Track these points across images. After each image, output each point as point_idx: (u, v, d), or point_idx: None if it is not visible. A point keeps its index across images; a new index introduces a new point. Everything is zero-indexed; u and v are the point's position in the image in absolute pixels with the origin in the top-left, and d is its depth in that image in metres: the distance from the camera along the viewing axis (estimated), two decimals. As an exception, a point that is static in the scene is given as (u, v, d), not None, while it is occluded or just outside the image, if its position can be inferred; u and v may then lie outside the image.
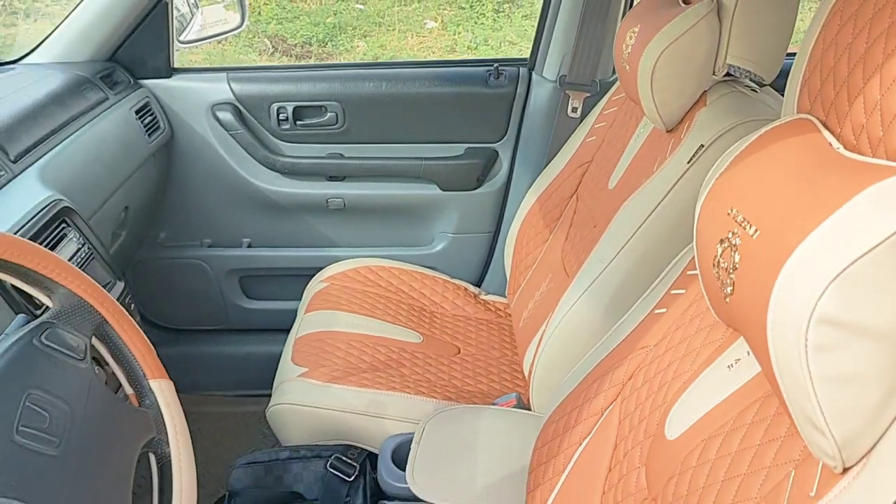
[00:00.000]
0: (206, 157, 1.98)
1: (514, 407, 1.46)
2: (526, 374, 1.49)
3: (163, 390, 0.96)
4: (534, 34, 1.98)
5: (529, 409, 1.44)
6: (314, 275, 1.90)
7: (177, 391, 1.07)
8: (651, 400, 0.89)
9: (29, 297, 0.94)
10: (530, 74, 1.95)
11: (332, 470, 1.40)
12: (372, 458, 1.41)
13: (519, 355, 1.61)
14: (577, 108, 1.89)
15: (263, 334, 2.12)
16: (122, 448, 0.86)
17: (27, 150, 1.41)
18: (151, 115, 1.88)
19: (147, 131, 1.84)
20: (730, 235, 0.68)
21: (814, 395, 0.55)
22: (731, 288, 0.68)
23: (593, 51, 1.83)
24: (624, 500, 0.87)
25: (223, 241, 2.08)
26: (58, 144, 1.50)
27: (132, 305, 1.47)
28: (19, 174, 1.34)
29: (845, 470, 0.57)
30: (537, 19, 1.97)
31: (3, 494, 0.71)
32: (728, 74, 1.30)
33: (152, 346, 0.96)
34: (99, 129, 1.66)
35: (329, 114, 1.96)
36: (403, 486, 1.28)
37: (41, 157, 1.43)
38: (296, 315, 1.78)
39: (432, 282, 1.92)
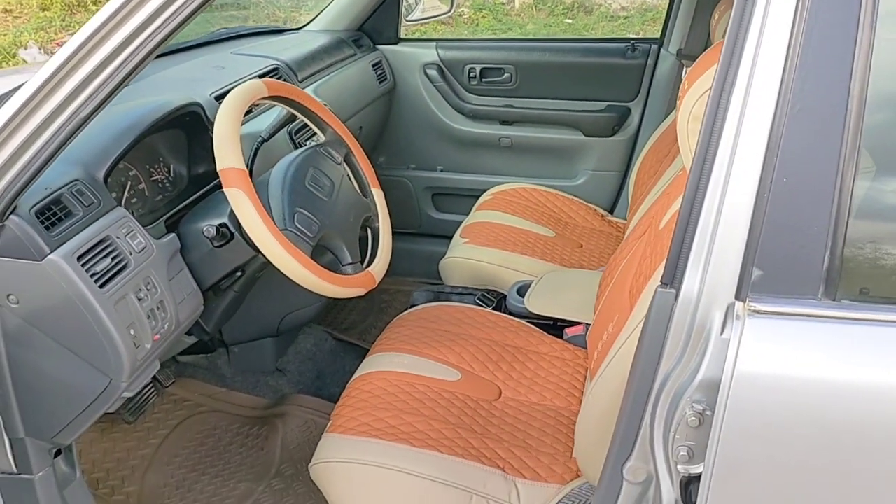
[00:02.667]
0: (416, 102, 2.76)
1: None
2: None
3: (378, 194, 1.71)
4: (664, 16, 2.58)
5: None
6: (486, 193, 2.62)
7: None
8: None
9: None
10: (659, 50, 2.55)
11: (479, 301, 2.10)
12: (503, 297, 2.10)
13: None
14: (691, 76, 2.46)
15: (445, 239, 2.86)
16: (355, 212, 1.62)
17: (308, 76, 2.24)
18: (382, 69, 2.68)
19: (378, 80, 2.64)
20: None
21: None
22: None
23: (704, 28, 2.39)
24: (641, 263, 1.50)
25: (423, 166, 2.85)
26: (325, 76, 2.33)
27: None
28: (303, 89, 2.17)
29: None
30: (667, 4, 2.57)
31: (300, 206, 1.47)
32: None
33: (373, 168, 1.72)
34: (348, 72, 2.48)
35: (505, 74, 2.67)
36: (523, 307, 1.96)
37: (316, 81, 2.26)
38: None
39: (572, 202, 2.57)
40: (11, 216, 1.23)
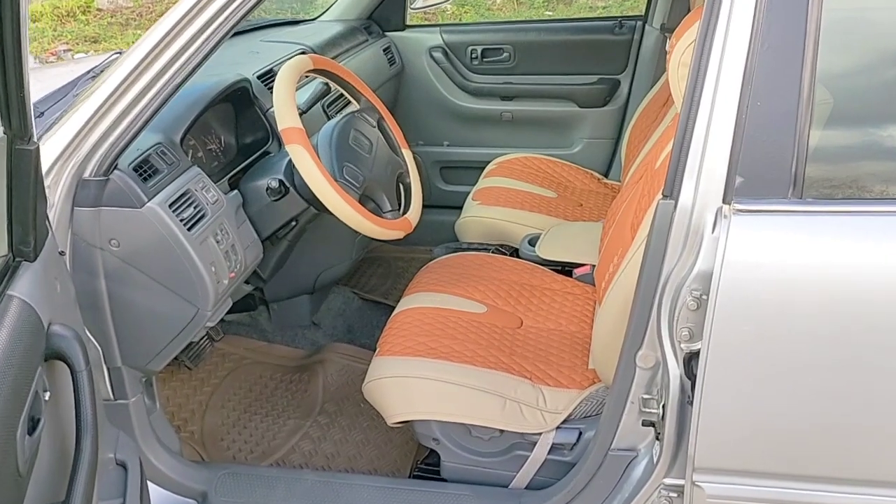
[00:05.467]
0: (422, 83, 3.00)
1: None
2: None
3: (407, 154, 1.95)
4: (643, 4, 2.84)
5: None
6: (490, 165, 2.86)
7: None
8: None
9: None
10: (644, 25, 2.81)
11: (494, 254, 2.34)
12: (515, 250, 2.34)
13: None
14: (674, 48, 2.72)
15: (454, 209, 3.10)
16: (391, 168, 1.86)
17: (331, 59, 2.47)
18: (391, 53, 2.92)
19: (389, 63, 2.88)
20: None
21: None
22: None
23: (685, 3, 2.64)
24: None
25: (430, 141, 3.09)
26: (343, 59, 2.57)
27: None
28: (323, 72, 2.41)
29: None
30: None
31: (347, 161, 1.71)
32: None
33: (401, 132, 1.95)
34: (362, 56, 2.72)
35: (504, 54, 2.92)
36: (535, 255, 2.20)
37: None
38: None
39: (570, 168, 2.82)
40: (115, 171, 1.46)
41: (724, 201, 1.22)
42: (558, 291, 2.01)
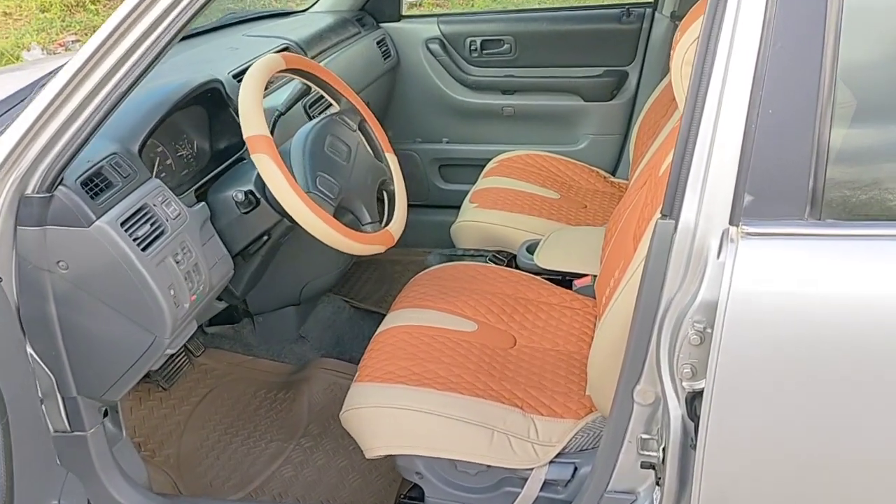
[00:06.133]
0: (419, 77, 2.85)
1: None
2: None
3: (392, 158, 1.81)
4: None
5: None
6: (491, 162, 2.71)
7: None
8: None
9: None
10: (653, 13, 2.63)
11: (491, 261, 2.20)
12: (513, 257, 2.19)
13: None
14: (685, 38, 2.55)
15: (453, 209, 2.95)
16: (372, 176, 1.72)
17: (317, 54, 2.33)
18: (385, 46, 2.77)
19: (383, 57, 2.73)
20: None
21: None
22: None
23: (696, -9, 2.47)
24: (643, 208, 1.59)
25: (429, 138, 2.94)
26: (332, 54, 2.42)
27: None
28: (314, 67, 2.27)
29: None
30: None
31: (321, 170, 1.57)
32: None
33: (385, 134, 1.81)
34: (353, 50, 2.57)
35: (505, 45, 2.76)
36: (532, 264, 2.05)
37: (324, 59, 2.35)
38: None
39: (574, 166, 2.66)
40: (60, 187, 1.33)
41: (730, 222, 1.07)
42: (556, 306, 1.87)
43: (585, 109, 2.76)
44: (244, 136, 1.49)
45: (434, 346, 1.66)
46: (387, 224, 1.73)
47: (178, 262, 1.46)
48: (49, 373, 1.45)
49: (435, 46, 2.79)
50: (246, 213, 1.62)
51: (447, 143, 2.94)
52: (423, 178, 2.98)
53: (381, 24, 2.83)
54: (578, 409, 1.55)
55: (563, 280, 2.01)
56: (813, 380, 1.06)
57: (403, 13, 2.86)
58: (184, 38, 2.29)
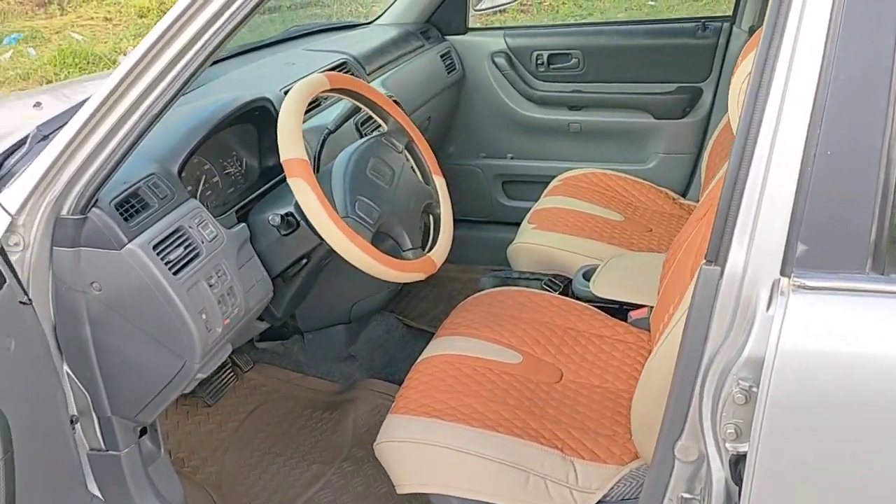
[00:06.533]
0: (484, 91, 2.78)
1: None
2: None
3: (440, 182, 1.75)
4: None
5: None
6: (555, 179, 2.62)
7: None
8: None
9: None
10: (731, 28, 2.49)
11: (546, 286, 2.11)
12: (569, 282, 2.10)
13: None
14: (765, 54, 2.40)
15: (515, 227, 2.88)
16: (416, 199, 1.66)
17: (376, 69, 2.30)
18: (450, 59, 2.71)
19: (447, 71, 2.68)
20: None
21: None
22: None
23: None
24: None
25: (493, 154, 2.87)
26: (393, 68, 2.38)
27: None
28: (370, 81, 2.23)
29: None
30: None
31: (361, 194, 1.52)
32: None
33: (434, 156, 1.75)
34: (416, 64, 2.52)
35: (573, 59, 2.66)
36: (588, 291, 1.96)
37: (384, 74, 2.31)
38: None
39: (641, 186, 2.55)
40: (93, 209, 1.32)
41: (782, 273, 0.97)
42: (608, 339, 1.77)
43: (656, 127, 2.64)
44: (281, 160, 1.46)
45: (474, 379, 1.59)
46: (430, 249, 1.67)
47: (211, 286, 1.43)
48: (85, 392, 1.45)
49: (501, 60, 2.72)
50: (286, 235, 1.59)
51: (511, 158, 2.86)
52: (486, 194, 2.92)
53: (447, 37, 2.78)
54: (623, 454, 1.46)
55: (621, 310, 1.91)
56: (866, 451, 0.95)
57: (470, 26, 2.80)
58: (245, 53, 2.31)
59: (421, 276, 1.59)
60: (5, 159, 1.37)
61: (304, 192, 1.42)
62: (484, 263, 2.91)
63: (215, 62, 2.21)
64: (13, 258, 1.31)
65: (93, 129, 1.27)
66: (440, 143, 2.86)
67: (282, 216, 1.55)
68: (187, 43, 1.22)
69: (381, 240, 1.56)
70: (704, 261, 1.04)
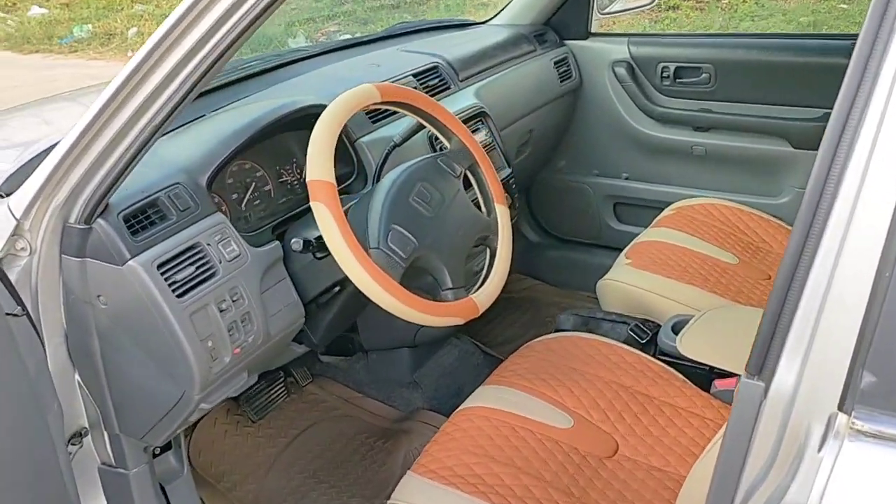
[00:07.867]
0: (602, 103, 2.53)
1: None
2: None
3: (502, 211, 1.55)
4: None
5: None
6: (671, 206, 2.33)
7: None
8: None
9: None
10: (892, 48, 2.11)
11: (632, 332, 1.87)
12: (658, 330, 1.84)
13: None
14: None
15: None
16: (466, 230, 1.47)
17: (471, 75, 2.12)
18: (566, 66, 2.48)
19: (560, 78, 2.45)
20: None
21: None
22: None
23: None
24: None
25: (607, 173, 2.62)
26: (492, 75, 2.19)
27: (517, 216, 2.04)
28: (462, 89, 2.06)
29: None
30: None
31: (398, 223, 1.35)
32: None
33: (499, 180, 1.56)
34: (523, 71, 2.32)
35: (703, 74, 2.36)
36: (672, 347, 1.70)
37: (479, 81, 2.13)
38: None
39: (769, 224, 2.22)
40: (99, 219, 1.23)
41: (840, 407, 0.72)
42: (682, 411, 1.51)
43: (793, 157, 2.29)
44: (307, 180, 1.31)
45: (511, 443, 1.39)
46: (480, 289, 1.48)
47: (222, 311, 1.32)
48: (96, 407, 1.39)
49: (622, 70, 2.46)
50: (320, 258, 1.44)
51: (626, 179, 2.59)
52: (595, 214, 2.67)
53: (566, 42, 2.55)
54: (667, 562, 1.22)
55: (708, 375, 1.64)
56: None
57: (592, 31, 2.55)
58: (337, 50, 2.19)
59: (458, 321, 1.40)
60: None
61: (325, 219, 1.27)
62: (587, 290, 2.67)
63: (307, 58, 2.13)
64: (20, 263, 1.26)
65: (98, 133, 1.17)
66: (547, 157, 2.64)
67: (304, 241, 1.41)
68: (195, 44, 1.09)
69: (417, 275, 1.38)
70: (745, 372, 0.80)
